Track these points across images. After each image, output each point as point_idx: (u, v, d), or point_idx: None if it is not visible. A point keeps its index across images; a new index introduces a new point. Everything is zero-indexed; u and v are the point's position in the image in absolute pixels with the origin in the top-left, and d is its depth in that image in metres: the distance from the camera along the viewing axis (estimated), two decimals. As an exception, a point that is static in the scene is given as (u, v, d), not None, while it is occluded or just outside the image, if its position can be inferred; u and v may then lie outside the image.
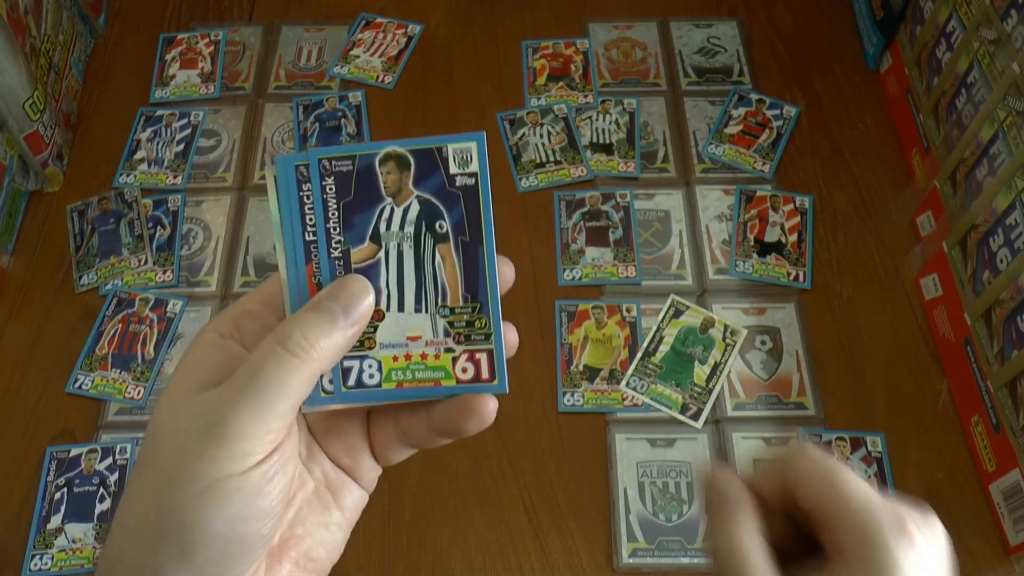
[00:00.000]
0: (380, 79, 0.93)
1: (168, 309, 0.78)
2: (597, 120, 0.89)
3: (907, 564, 0.31)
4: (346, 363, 0.33)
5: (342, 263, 0.33)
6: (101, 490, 0.69)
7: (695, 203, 0.84)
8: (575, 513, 0.68)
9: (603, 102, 0.91)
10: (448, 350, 0.33)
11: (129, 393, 0.73)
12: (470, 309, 0.33)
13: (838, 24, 0.97)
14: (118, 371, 0.75)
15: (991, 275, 0.67)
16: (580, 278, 0.79)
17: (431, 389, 0.33)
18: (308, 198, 0.33)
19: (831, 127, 0.89)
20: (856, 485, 0.32)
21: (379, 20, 0.98)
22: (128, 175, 0.87)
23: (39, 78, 0.81)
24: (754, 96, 0.91)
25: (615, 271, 0.79)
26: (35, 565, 0.66)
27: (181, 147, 0.88)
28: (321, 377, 0.32)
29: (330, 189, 0.32)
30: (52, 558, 0.66)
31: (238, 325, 0.33)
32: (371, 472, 0.36)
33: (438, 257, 0.33)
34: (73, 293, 0.79)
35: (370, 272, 0.33)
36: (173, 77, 0.94)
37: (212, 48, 0.96)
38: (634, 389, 0.73)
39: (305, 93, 0.93)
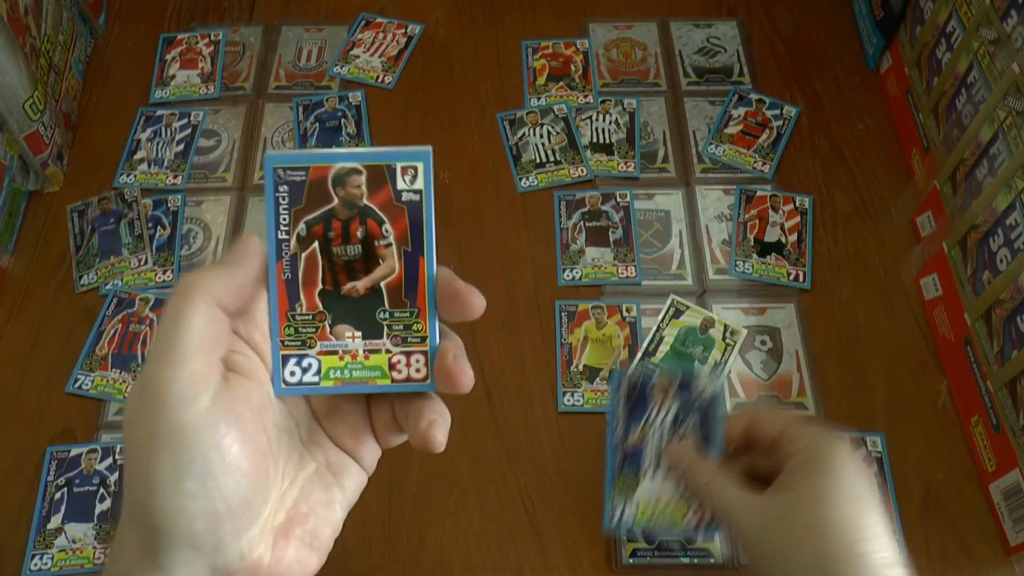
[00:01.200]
0: (380, 79, 0.93)
1: (168, 309, 0.78)
2: (597, 120, 0.89)
3: (844, 450, 0.48)
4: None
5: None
6: (101, 490, 0.69)
7: (695, 203, 0.84)
8: (575, 513, 0.68)
9: (603, 102, 0.91)
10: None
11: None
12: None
13: (838, 24, 0.97)
14: (118, 371, 0.75)
15: (991, 275, 0.67)
16: (580, 278, 0.79)
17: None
18: (284, 199, 0.35)
19: (831, 127, 0.89)
20: (803, 417, 0.39)
21: (379, 20, 0.98)
22: (128, 175, 0.87)
23: (39, 78, 0.81)
24: (754, 96, 0.91)
25: (615, 271, 0.79)
26: (35, 565, 0.66)
27: (181, 147, 0.88)
28: (284, 369, 0.35)
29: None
30: (52, 558, 0.66)
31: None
32: (372, 454, 0.38)
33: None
34: (73, 293, 0.79)
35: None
36: (173, 77, 0.94)
37: (212, 48, 0.96)
38: (634, 389, 0.73)
39: (305, 93, 0.93)
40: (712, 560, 0.66)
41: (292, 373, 0.36)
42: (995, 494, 0.67)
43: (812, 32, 0.97)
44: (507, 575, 0.66)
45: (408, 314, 0.36)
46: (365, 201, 0.35)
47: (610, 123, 0.89)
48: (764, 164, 0.86)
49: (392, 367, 0.36)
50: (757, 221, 0.82)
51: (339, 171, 0.35)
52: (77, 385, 0.74)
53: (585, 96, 0.91)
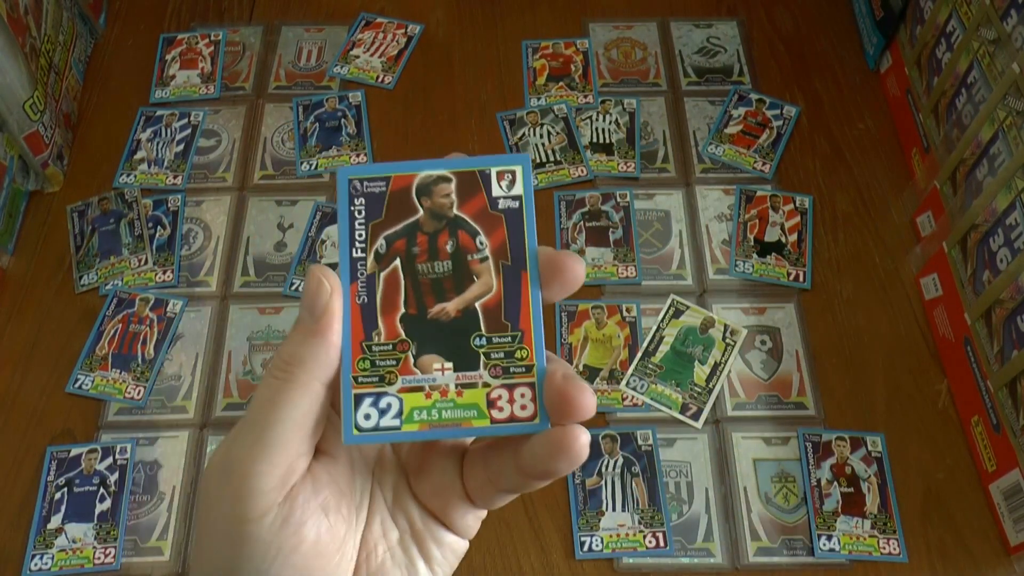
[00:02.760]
0: (380, 79, 0.93)
1: (168, 309, 0.78)
2: (597, 120, 0.89)
3: None
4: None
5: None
6: (101, 490, 0.69)
7: (695, 203, 0.84)
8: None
9: (603, 102, 0.91)
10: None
11: (129, 393, 0.73)
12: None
13: (838, 24, 0.97)
14: (118, 371, 0.75)
15: (991, 275, 0.67)
16: (580, 278, 0.79)
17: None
18: (360, 212, 0.31)
19: (831, 127, 0.89)
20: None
21: (379, 20, 0.98)
22: (128, 175, 0.87)
23: (39, 78, 0.81)
24: (754, 96, 0.91)
25: (615, 271, 0.79)
26: (35, 565, 0.66)
27: (181, 147, 0.88)
28: (356, 412, 0.30)
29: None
30: (52, 558, 0.66)
31: None
32: (467, 516, 0.32)
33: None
34: (73, 293, 0.79)
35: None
36: (173, 77, 0.94)
37: (212, 48, 0.96)
38: (634, 389, 0.73)
39: (305, 93, 0.93)
40: (712, 560, 0.66)
41: (367, 416, 0.30)
42: (995, 494, 0.67)
43: (812, 32, 0.97)
44: (507, 575, 0.66)
45: (510, 339, 0.30)
46: (456, 211, 0.31)
47: (610, 123, 0.89)
48: (764, 164, 0.86)
49: (491, 404, 0.30)
50: (757, 221, 0.82)
51: (424, 179, 0.31)
52: (77, 385, 0.74)
53: (585, 96, 0.91)
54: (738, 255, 0.80)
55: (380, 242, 0.31)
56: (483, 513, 0.32)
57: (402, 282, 0.31)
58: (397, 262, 0.31)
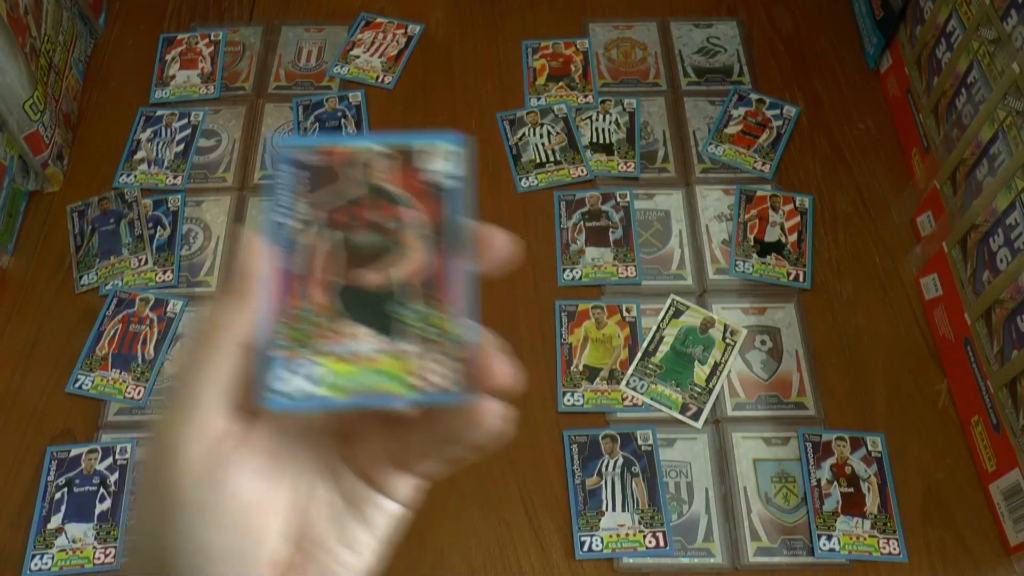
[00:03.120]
0: (380, 79, 0.93)
1: (168, 309, 0.78)
2: (597, 120, 0.89)
3: None
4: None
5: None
6: (101, 490, 0.69)
7: (695, 203, 0.84)
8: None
9: (603, 102, 0.91)
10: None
11: (129, 393, 0.73)
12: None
13: (838, 24, 0.97)
14: (118, 371, 0.75)
15: (991, 275, 0.67)
16: (580, 278, 0.79)
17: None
18: (292, 182, 0.31)
19: (831, 127, 0.89)
20: None
21: (379, 20, 0.98)
22: (128, 175, 0.87)
23: (39, 78, 0.81)
24: (754, 96, 0.91)
25: (615, 271, 0.79)
26: (35, 565, 0.66)
27: (181, 147, 0.88)
28: (274, 377, 0.29)
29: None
30: (52, 558, 0.66)
31: None
32: (401, 484, 0.32)
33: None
34: (73, 293, 0.79)
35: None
36: (173, 77, 0.94)
37: (212, 48, 0.96)
38: (634, 389, 0.73)
39: (305, 93, 0.93)
40: (712, 560, 0.66)
41: (285, 381, 0.29)
42: (995, 494, 0.67)
43: (812, 32, 0.97)
44: (507, 575, 0.66)
45: (433, 311, 0.30)
46: (388, 184, 0.31)
47: (610, 123, 0.89)
48: (764, 164, 0.86)
49: (411, 373, 0.30)
50: (757, 221, 0.82)
51: (360, 153, 0.31)
52: (77, 385, 0.74)
53: (585, 96, 0.91)
54: (738, 255, 0.80)
55: (311, 211, 0.31)
56: (421, 482, 0.32)
57: (331, 251, 0.31)
58: (328, 232, 0.31)
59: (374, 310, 0.30)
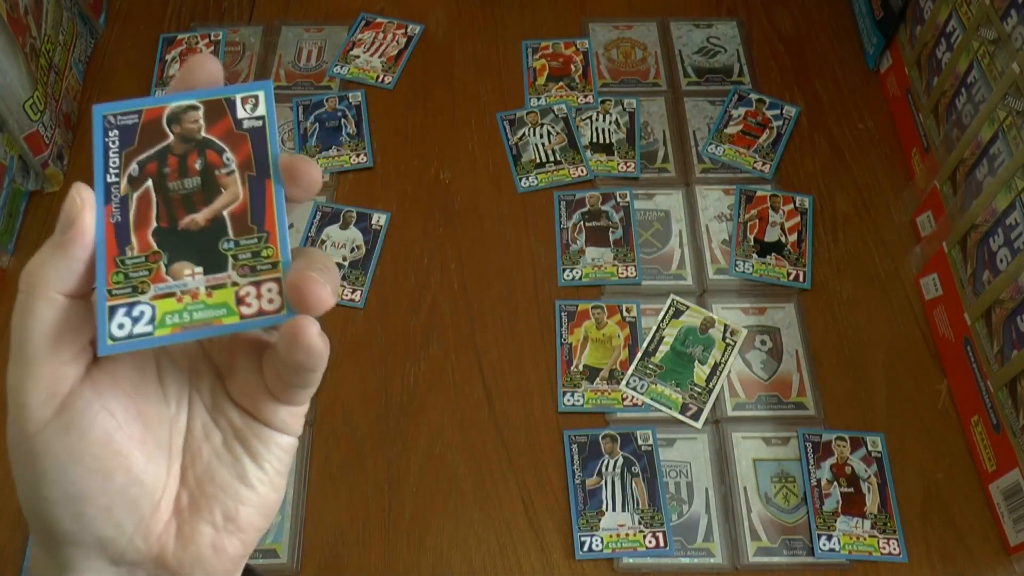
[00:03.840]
0: (380, 79, 0.93)
1: (168, 309, 0.78)
2: (597, 120, 0.89)
3: None
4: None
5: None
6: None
7: (695, 203, 0.84)
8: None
9: (603, 102, 0.91)
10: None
11: (129, 393, 0.73)
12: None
13: (838, 24, 0.97)
14: (118, 371, 0.74)
15: (991, 275, 0.67)
16: (580, 278, 0.79)
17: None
18: (114, 143, 0.33)
19: (831, 127, 0.89)
20: None
21: (379, 20, 0.98)
22: (128, 175, 0.87)
23: (39, 78, 0.81)
24: (754, 96, 0.91)
25: (615, 271, 0.79)
26: (35, 565, 0.66)
27: (181, 147, 0.88)
28: (111, 323, 0.31)
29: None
30: (52, 558, 0.66)
31: None
32: (279, 413, 0.33)
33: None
34: (73, 293, 0.79)
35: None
36: (173, 77, 0.94)
37: (212, 48, 0.96)
38: (634, 389, 0.73)
39: (305, 93, 0.93)
40: (712, 560, 0.66)
41: (121, 326, 0.31)
42: (995, 494, 0.67)
43: (812, 32, 0.97)
44: (507, 575, 0.66)
45: (256, 240, 0.32)
46: (203, 134, 0.33)
47: (610, 123, 0.89)
48: (764, 164, 0.86)
49: (240, 301, 0.31)
50: (757, 221, 0.82)
51: (174, 109, 0.33)
52: (77, 385, 0.74)
53: (585, 96, 0.91)
54: (738, 255, 0.80)
55: (133, 167, 0.32)
56: (296, 409, 0.33)
57: (154, 199, 0.32)
58: (149, 183, 0.32)
59: (198, 248, 0.32)
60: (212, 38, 0.97)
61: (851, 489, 0.68)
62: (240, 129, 0.33)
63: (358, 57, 0.95)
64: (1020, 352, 0.63)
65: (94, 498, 0.29)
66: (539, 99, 0.91)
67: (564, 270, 0.80)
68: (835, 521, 0.67)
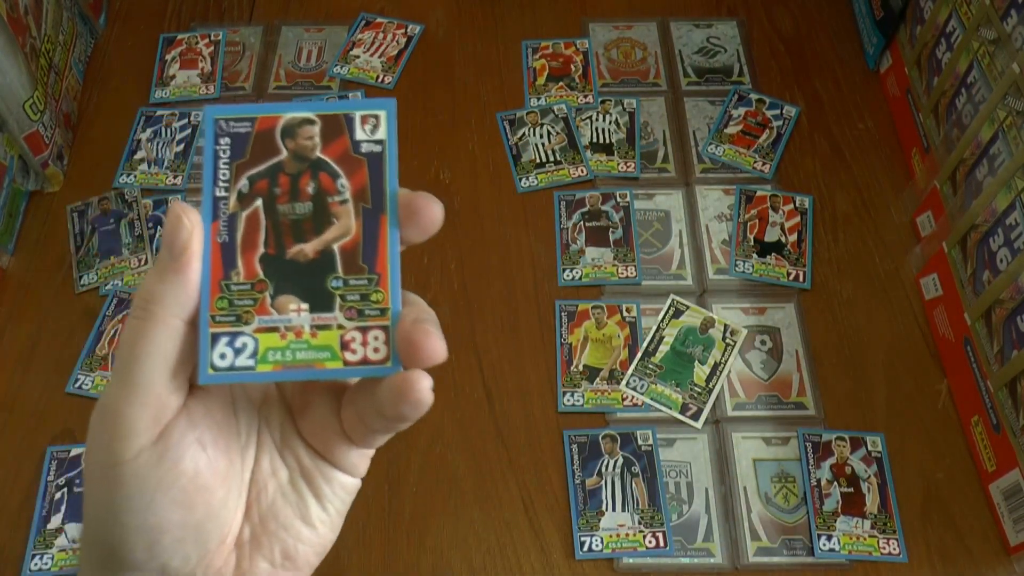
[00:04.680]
0: (380, 79, 0.93)
1: (168, 309, 0.78)
2: (597, 120, 0.89)
3: None
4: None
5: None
6: (101, 490, 0.69)
7: (695, 203, 0.84)
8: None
9: (603, 102, 0.91)
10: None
11: (129, 393, 0.73)
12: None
13: (838, 24, 0.97)
14: (118, 371, 0.74)
15: (991, 275, 0.67)
16: (580, 278, 0.79)
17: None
18: (224, 152, 0.31)
19: (831, 127, 0.89)
20: None
21: (379, 20, 0.98)
22: (128, 175, 0.87)
23: (39, 78, 0.81)
24: (754, 96, 0.91)
25: (615, 271, 0.79)
26: (35, 565, 0.66)
27: (181, 147, 0.88)
28: (212, 351, 0.30)
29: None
30: (52, 558, 0.66)
31: None
32: (350, 455, 0.32)
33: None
34: (73, 293, 0.79)
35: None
36: (173, 77, 0.94)
37: (212, 48, 0.96)
38: (634, 389, 0.73)
39: (305, 93, 0.93)
40: (712, 560, 0.66)
41: (223, 356, 0.30)
42: (995, 494, 0.67)
43: (812, 32, 0.97)
44: (507, 575, 0.66)
45: (366, 282, 0.30)
46: (318, 153, 0.31)
47: (610, 123, 0.89)
48: (764, 164, 0.86)
49: (345, 346, 0.30)
50: (757, 221, 0.82)
51: (290, 121, 0.31)
52: (77, 385, 0.74)
53: (585, 96, 0.91)
54: (738, 255, 0.80)
55: (243, 182, 0.31)
56: (368, 452, 0.33)
57: (263, 222, 0.31)
58: (259, 202, 0.31)
59: (305, 282, 0.30)
60: (212, 38, 0.97)
61: (851, 489, 0.68)
62: (357, 152, 0.31)
63: (358, 57, 0.95)
64: (1020, 352, 0.63)
65: (171, 529, 0.29)
66: (539, 99, 0.91)
67: (564, 270, 0.80)
68: (835, 521, 0.67)
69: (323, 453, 0.32)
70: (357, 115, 0.31)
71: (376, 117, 0.31)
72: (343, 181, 0.31)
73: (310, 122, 0.31)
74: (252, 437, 0.32)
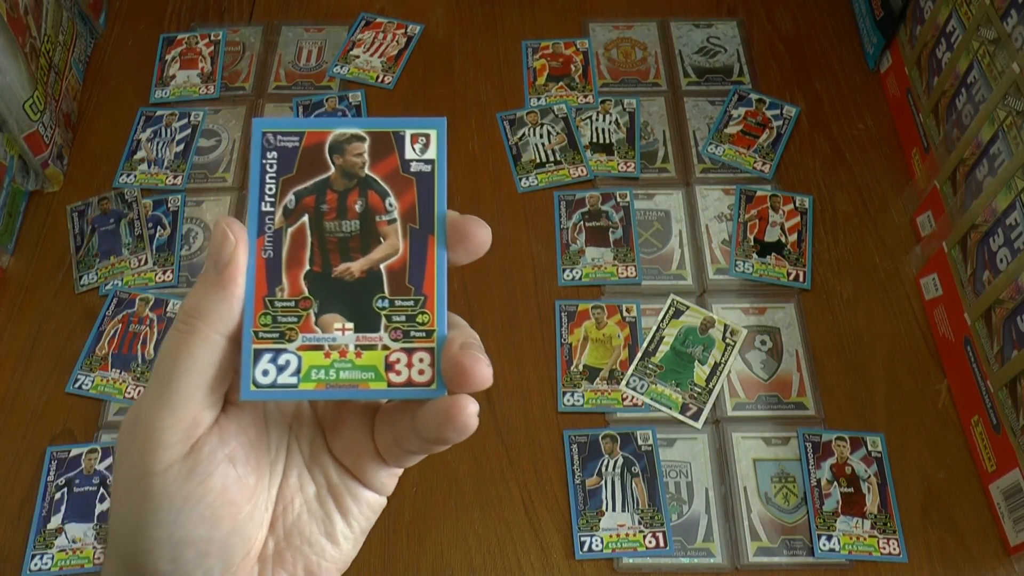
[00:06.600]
0: (380, 79, 0.93)
1: (168, 309, 0.78)
2: (597, 120, 0.89)
3: None
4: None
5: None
6: (101, 490, 0.69)
7: (695, 203, 0.84)
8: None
9: (603, 102, 0.91)
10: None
11: (129, 393, 0.73)
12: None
13: (838, 24, 0.97)
14: (118, 371, 0.75)
15: (991, 275, 0.67)
16: (580, 278, 0.79)
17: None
18: (271, 166, 0.31)
19: (831, 127, 0.89)
20: None
21: (379, 20, 0.98)
22: (128, 175, 0.87)
23: (39, 78, 0.81)
24: (754, 96, 0.91)
25: (615, 271, 0.79)
26: (35, 565, 0.66)
27: (181, 147, 0.88)
28: (255, 368, 0.30)
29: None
30: (52, 558, 0.66)
31: None
32: (380, 474, 0.32)
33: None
34: (73, 293, 0.79)
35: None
36: (173, 77, 0.94)
37: (212, 48, 0.96)
38: (634, 389, 0.73)
39: (305, 93, 0.93)
40: (712, 560, 0.66)
41: (265, 372, 0.29)
42: (995, 494, 0.67)
43: (812, 32, 0.97)
44: (507, 575, 0.66)
45: (412, 303, 0.30)
46: (367, 171, 0.31)
47: (610, 123, 0.89)
48: (764, 164, 0.86)
49: (389, 367, 0.30)
50: (757, 221, 0.82)
51: (338, 137, 0.31)
52: (77, 385, 0.74)
53: (585, 96, 0.91)
54: (738, 255, 0.80)
55: (290, 197, 0.30)
56: (398, 471, 0.33)
57: (309, 239, 0.30)
58: (305, 219, 0.30)
59: (351, 301, 0.30)
60: (212, 38, 0.97)
61: (851, 489, 0.68)
62: (407, 171, 0.31)
63: (358, 57, 0.95)
64: (1020, 352, 0.63)
65: (197, 543, 0.29)
66: (539, 99, 0.91)
67: (564, 270, 0.80)
68: (835, 521, 0.67)
69: (353, 471, 0.32)
70: (407, 133, 0.31)
71: (427, 136, 0.31)
72: (391, 200, 0.31)
73: (359, 139, 0.31)
74: (282, 452, 0.32)
